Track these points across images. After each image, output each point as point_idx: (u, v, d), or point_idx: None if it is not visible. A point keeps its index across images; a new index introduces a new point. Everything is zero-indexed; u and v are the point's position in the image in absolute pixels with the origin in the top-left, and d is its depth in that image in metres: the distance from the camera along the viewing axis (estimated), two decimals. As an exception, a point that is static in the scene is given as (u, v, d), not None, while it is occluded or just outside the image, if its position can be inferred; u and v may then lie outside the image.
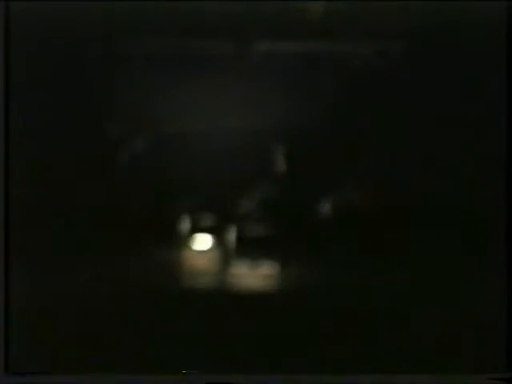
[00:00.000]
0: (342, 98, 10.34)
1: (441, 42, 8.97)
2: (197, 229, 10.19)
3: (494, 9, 6.36)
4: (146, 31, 9.39)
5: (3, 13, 5.67)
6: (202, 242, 10.01)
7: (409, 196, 9.71)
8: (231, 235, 8.81)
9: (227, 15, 8.76)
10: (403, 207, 9.53)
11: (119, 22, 8.92)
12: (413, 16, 8.44)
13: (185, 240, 10.07)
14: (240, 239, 8.89)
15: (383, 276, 8.17)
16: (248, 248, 8.80)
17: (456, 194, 9.20)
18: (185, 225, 10.17)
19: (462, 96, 9.19)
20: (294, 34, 9.55)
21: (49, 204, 9.12)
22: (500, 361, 5.49)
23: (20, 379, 5.25)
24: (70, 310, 6.27)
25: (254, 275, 8.37)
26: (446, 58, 9.18)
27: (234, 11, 8.60)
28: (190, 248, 9.95)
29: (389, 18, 8.72)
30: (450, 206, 9.18)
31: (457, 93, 9.26)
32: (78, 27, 8.74)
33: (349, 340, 5.98)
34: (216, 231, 9.65)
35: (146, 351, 5.67)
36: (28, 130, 7.77)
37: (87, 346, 5.66)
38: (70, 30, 8.71)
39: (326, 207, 9.74)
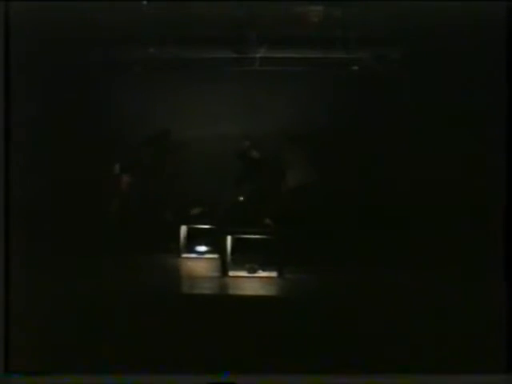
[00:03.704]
0: (341, 102, 10.31)
1: (440, 44, 8.94)
2: (196, 234, 10.13)
3: (494, 9, 6.36)
4: (146, 39, 9.36)
5: (3, 13, 5.67)
6: (201, 247, 9.97)
7: (408, 196, 9.66)
8: (229, 240, 8.78)
9: (226, 23, 8.73)
10: (403, 208, 9.49)
11: (119, 29, 8.90)
12: (411, 20, 8.42)
13: (183, 245, 10.01)
14: (238, 243, 8.86)
15: (382, 277, 8.16)
16: (246, 252, 8.77)
17: (455, 195, 9.15)
18: (184, 230, 10.12)
19: (461, 97, 9.16)
20: (294, 40, 9.52)
21: (49, 206, 9.07)
22: (500, 361, 5.48)
23: (20, 379, 5.23)
24: (70, 311, 6.25)
25: (253, 279, 8.36)
26: (445, 61, 9.16)
27: (233, 18, 8.58)
28: (188, 253, 9.90)
29: (387, 23, 8.71)
30: (449, 206, 9.13)
31: (456, 95, 9.24)
32: (79, 32, 8.71)
33: (348, 341, 5.97)
34: (214, 236, 9.60)
35: (146, 352, 5.65)
36: (28, 130, 7.75)
37: (87, 347, 5.65)
38: (69, 33, 8.67)
39: (325, 209, 9.71)
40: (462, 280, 7.52)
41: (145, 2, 7.88)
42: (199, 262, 9.71)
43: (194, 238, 10.11)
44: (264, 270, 8.52)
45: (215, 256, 9.38)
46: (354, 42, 9.24)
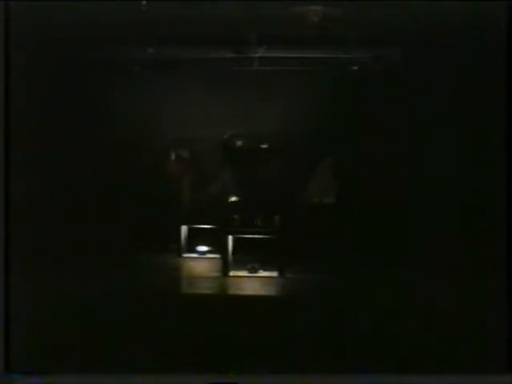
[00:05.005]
0: (341, 102, 10.30)
1: (439, 45, 8.94)
2: (197, 234, 10.12)
3: (494, 9, 6.35)
4: (146, 39, 9.35)
5: (3, 13, 5.66)
6: (202, 247, 9.97)
7: (408, 196, 9.65)
8: (230, 240, 8.78)
9: (226, 23, 8.73)
10: (403, 207, 9.49)
11: (119, 29, 8.90)
12: (411, 20, 8.42)
13: (185, 245, 10.01)
14: (239, 243, 8.87)
15: (382, 277, 8.17)
16: (247, 252, 8.78)
17: (456, 194, 9.15)
18: (185, 230, 10.11)
19: (461, 97, 9.15)
20: (293, 40, 9.52)
21: (49, 206, 9.07)
22: (500, 361, 5.48)
23: (20, 379, 5.23)
24: (70, 311, 6.25)
25: (254, 279, 8.37)
26: (445, 61, 9.15)
27: (233, 18, 8.58)
28: (189, 253, 9.90)
29: (387, 23, 8.71)
30: (449, 206, 9.13)
31: (456, 95, 9.23)
32: (79, 32, 8.70)
33: (348, 341, 5.97)
34: (215, 236, 9.60)
35: (146, 351, 5.65)
36: (28, 130, 7.75)
37: (87, 346, 5.64)
38: (70, 33, 8.68)
39: (325, 208, 9.71)
40: (462, 280, 7.52)
41: (144, 2, 7.88)
42: (200, 261, 9.71)
43: (195, 237, 10.12)
44: (265, 270, 8.53)
45: (216, 256, 9.38)
46: (354, 41, 9.24)
